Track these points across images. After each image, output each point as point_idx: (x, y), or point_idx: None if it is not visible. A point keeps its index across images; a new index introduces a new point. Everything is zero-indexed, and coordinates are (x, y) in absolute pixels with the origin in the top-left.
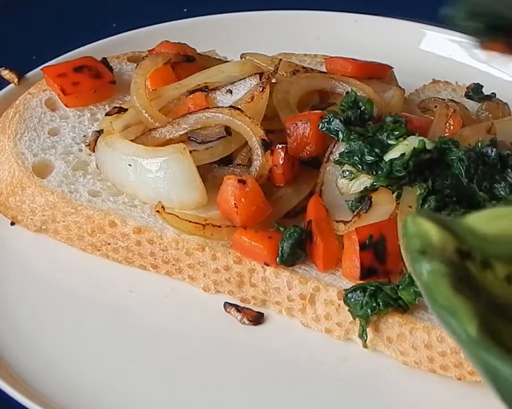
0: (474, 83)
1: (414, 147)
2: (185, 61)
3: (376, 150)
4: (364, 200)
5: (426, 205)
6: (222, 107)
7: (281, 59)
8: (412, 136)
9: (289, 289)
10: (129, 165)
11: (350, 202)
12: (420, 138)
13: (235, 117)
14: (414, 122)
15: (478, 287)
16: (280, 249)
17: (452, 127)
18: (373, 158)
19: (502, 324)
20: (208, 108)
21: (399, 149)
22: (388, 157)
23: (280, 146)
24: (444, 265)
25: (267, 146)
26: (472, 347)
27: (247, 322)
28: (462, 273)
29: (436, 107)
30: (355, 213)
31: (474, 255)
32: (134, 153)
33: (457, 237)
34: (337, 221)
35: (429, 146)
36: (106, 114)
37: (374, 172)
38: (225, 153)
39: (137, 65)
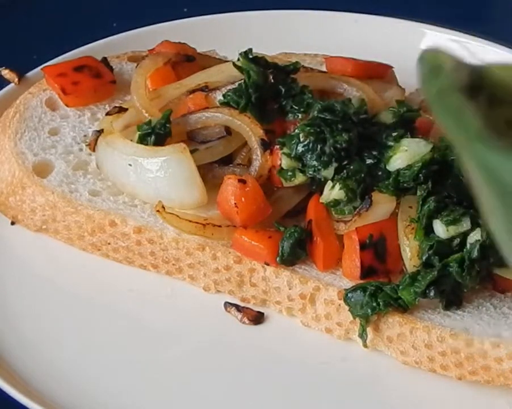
0: None
1: (425, 159)
2: (186, 60)
3: (374, 153)
4: (364, 199)
5: (426, 206)
6: (222, 106)
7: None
8: (411, 139)
9: (289, 289)
10: (129, 164)
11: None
12: (419, 140)
13: (234, 117)
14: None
15: (484, 115)
16: (280, 248)
17: None
18: (371, 161)
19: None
20: (208, 108)
21: (402, 157)
22: (392, 165)
23: (279, 146)
24: (455, 83)
25: (266, 146)
26: (473, 142)
27: (247, 321)
28: (471, 99)
29: None
30: (355, 212)
31: (485, 90)
32: (134, 153)
33: (471, 70)
34: (337, 221)
35: (428, 147)
36: (107, 114)
37: (375, 176)
38: (225, 153)
39: (137, 64)
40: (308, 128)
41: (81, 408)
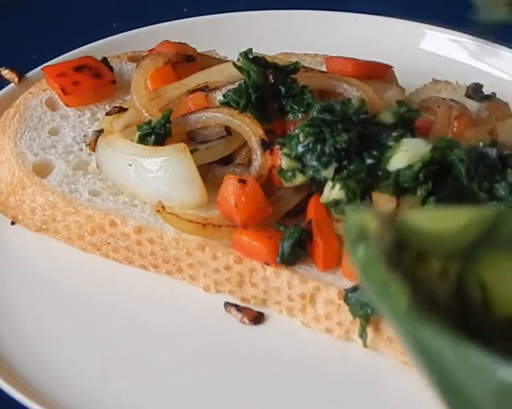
0: (474, 83)
1: (425, 159)
2: (186, 60)
3: (374, 153)
4: (364, 199)
5: (426, 207)
6: (222, 106)
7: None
8: (411, 139)
9: (290, 289)
10: (129, 164)
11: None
12: (419, 140)
13: (234, 117)
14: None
15: (413, 276)
16: (280, 248)
17: (455, 128)
18: (372, 161)
19: (434, 313)
20: (208, 108)
21: (402, 157)
22: (392, 166)
23: (279, 146)
24: (381, 249)
25: (266, 146)
26: (402, 320)
27: (247, 321)
28: (398, 261)
29: (439, 107)
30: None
31: (411, 248)
32: (134, 153)
33: (395, 230)
34: (337, 221)
35: (428, 147)
36: (107, 114)
37: (375, 176)
38: (225, 153)
39: (137, 64)
40: (308, 128)
41: (81, 408)
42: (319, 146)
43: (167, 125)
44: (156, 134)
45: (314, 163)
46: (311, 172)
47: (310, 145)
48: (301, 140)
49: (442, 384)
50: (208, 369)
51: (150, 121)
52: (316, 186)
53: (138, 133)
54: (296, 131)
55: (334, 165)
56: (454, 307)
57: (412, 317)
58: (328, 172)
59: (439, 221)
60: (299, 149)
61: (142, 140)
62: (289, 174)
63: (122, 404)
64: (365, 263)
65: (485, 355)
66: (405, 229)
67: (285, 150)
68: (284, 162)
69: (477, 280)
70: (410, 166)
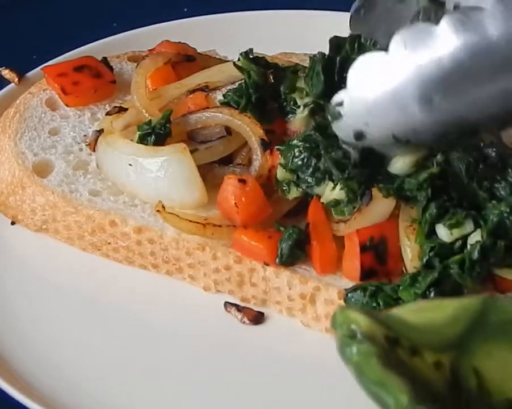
0: None
1: (432, 172)
2: (186, 60)
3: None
4: (365, 194)
5: (428, 213)
6: (222, 106)
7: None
8: None
9: (290, 289)
10: (130, 164)
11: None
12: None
13: (235, 117)
14: None
15: (408, 369)
16: (279, 250)
17: None
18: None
19: (431, 404)
20: (208, 107)
21: (402, 159)
22: (394, 167)
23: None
24: (374, 346)
25: (266, 146)
26: None
27: (247, 321)
28: (392, 356)
29: None
30: (356, 208)
31: (403, 342)
32: (134, 153)
33: (385, 326)
34: (337, 222)
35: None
36: (107, 113)
37: (376, 178)
38: (225, 153)
39: (137, 64)
40: (302, 142)
41: (81, 408)
42: (313, 162)
43: (167, 125)
44: (156, 134)
45: (308, 178)
46: (304, 187)
47: (305, 160)
48: (297, 154)
49: None
50: (208, 368)
51: (150, 121)
52: (311, 198)
53: (138, 133)
54: (295, 141)
55: (327, 182)
56: (451, 397)
57: None
58: (321, 190)
59: (427, 314)
60: (295, 162)
61: (142, 139)
62: (284, 187)
63: (122, 403)
64: (360, 362)
65: None
66: (394, 324)
67: (282, 160)
68: (280, 173)
69: (471, 368)
70: (416, 176)
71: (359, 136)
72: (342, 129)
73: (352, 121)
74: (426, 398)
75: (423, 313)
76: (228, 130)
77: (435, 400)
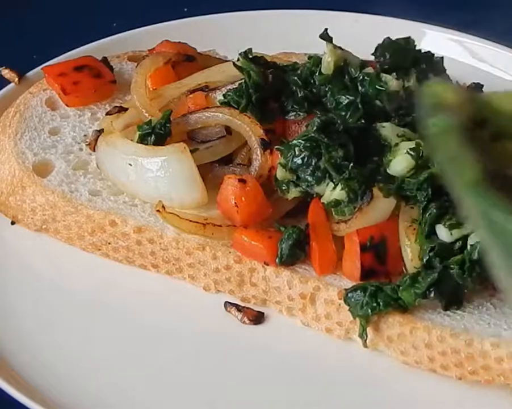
0: (474, 83)
1: (432, 173)
2: (186, 60)
3: (375, 158)
4: (365, 193)
5: (427, 214)
6: (222, 106)
7: None
8: (409, 142)
9: (290, 289)
10: (130, 164)
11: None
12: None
13: (235, 117)
14: None
15: (486, 151)
16: (279, 249)
17: None
18: (373, 165)
19: (503, 190)
20: (208, 107)
21: (401, 160)
22: (393, 169)
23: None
24: (458, 120)
25: (266, 145)
26: (470, 192)
27: (247, 321)
28: (473, 135)
29: None
30: (357, 207)
31: (488, 124)
32: (134, 152)
33: (474, 104)
34: (337, 222)
35: (426, 149)
36: (107, 113)
37: (377, 179)
38: (226, 153)
39: (138, 64)
40: (303, 142)
41: (81, 407)
42: (314, 161)
43: (167, 125)
44: (156, 134)
45: (308, 177)
46: (304, 187)
47: (305, 159)
48: (297, 153)
49: (504, 253)
50: (208, 369)
51: (150, 121)
52: (311, 197)
53: (138, 133)
54: (294, 141)
55: (328, 181)
56: None
57: (480, 189)
58: (321, 189)
59: None
60: (295, 161)
61: (142, 139)
62: (284, 187)
63: (123, 403)
64: (439, 132)
65: None
66: (484, 105)
67: (282, 160)
68: (279, 173)
69: None
70: (416, 176)
71: None
72: None
73: None
74: (498, 182)
75: None
76: (228, 130)
77: (506, 184)
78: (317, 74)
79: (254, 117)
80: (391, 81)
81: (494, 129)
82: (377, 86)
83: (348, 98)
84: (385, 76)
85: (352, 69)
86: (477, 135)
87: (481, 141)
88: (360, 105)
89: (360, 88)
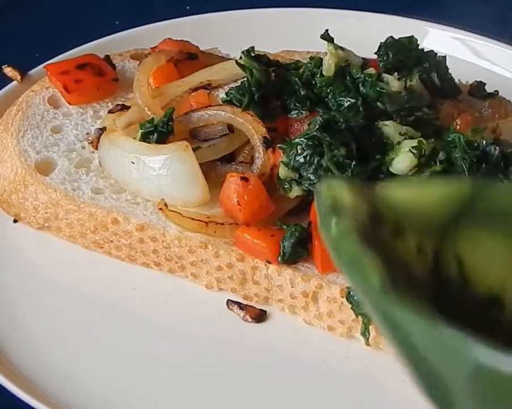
0: (476, 81)
1: (434, 171)
2: (188, 58)
3: (377, 157)
4: None
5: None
6: (224, 104)
7: None
8: (412, 140)
9: (292, 287)
10: (132, 162)
11: None
12: (420, 140)
13: (237, 115)
14: None
15: (388, 250)
16: (282, 248)
17: (458, 126)
18: (375, 163)
19: (408, 288)
20: (210, 106)
21: (404, 159)
22: (395, 168)
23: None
24: (354, 223)
25: (268, 144)
26: (375, 297)
27: (249, 319)
28: (373, 236)
29: (442, 104)
30: None
31: (386, 222)
32: (137, 151)
33: (370, 203)
34: None
35: (429, 147)
36: (109, 111)
37: (379, 177)
38: (228, 151)
39: (140, 62)
40: (306, 140)
41: (82, 405)
42: (316, 159)
43: (170, 123)
44: (158, 132)
45: (311, 176)
46: (306, 185)
47: (308, 158)
48: (299, 151)
49: (416, 367)
50: (210, 367)
51: (152, 119)
52: (313, 196)
53: (140, 131)
54: (297, 140)
55: None
56: (431, 284)
57: (384, 294)
58: None
59: (416, 194)
60: (298, 160)
61: (145, 138)
62: (286, 185)
63: (124, 401)
64: (337, 237)
65: (459, 333)
66: (380, 202)
67: (284, 158)
68: (282, 171)
69: (454, 255)
70: (418, 174)
71: None
72: None
73: None
74: (403, 282)
75: (411, 193)
76: (230, 128)
77: (412, 285)
78: (318, 75)
79: (256, 116)
80: (393, 82)
81: (393, 226)
82: (378, 88)
83: (349, 101)
84: (386, 77)
85: (354, 70)
86: (376, 234)
87: (382, 240)
88: (361, 108)
89: (361, 89)
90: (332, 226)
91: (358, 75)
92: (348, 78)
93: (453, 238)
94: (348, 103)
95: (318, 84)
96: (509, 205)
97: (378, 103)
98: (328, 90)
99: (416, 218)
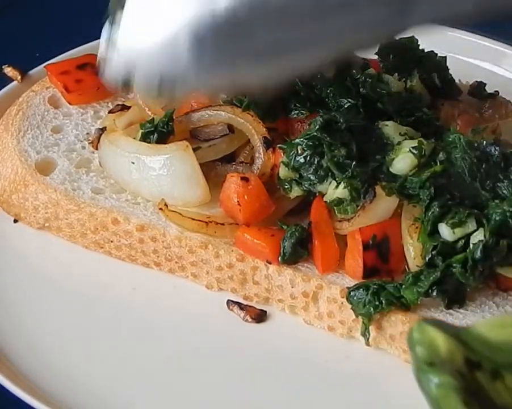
0: (477, 82)
1: (434, 171)
2: None
3: (378, 157)
4: (368, 192)
5: (430, 213)
6: (224, 104)
7: None
8: (412, 140)
9: (292, 287)
10: (132, 162)
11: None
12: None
13: (237, 115)
14: None
15: (488, 399)
16: (282, 248)
17: (459, 127)
18: (376, 164)
19: None
20: (210, 106)
21: (404, 159)
22: (395, 168)
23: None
24: (453, 378)
25: (268, 144)
26: None
27: (250, 320)
28: (472, 385)
29: (442, 105)
30: (359, 206)
31: (484, 365)
32: (137, 151)
33: (464, 345)
34: (340, 221)
35: (429, 146)
36: (110, 111)
37: (379, 177)
38: (228, 151)
39: None
40: (306, 141)
41: (82, 405)
42: (316, 160)
43: (170, 123)
44: (159, 132)
45: (311, 176)
46: (306, 185)
47: (308, 158)
48: (299, 152)
49: None
50: (211, 367)
51: (153, 119)
52: (314, 196)
53: (141, 131)
54: (297, 140)
55: (330, 180)
56: None
57: None
58: (324, 187)
59: (508, 330)
60: (298, 160)
61: (145, 138)
62: (286, 186)
63: (125, 400)
64: (440, 398)
65: None
66: (474, 342)
67: (284, 158)
68: (282, 172)
69: None
70: (418, 174)
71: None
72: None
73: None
74: None
75: (505, 329)
76: (231, 128)
77: None
78: (318, 76)
79: (257, 116)
80: (394, 82)
81: (491, 366)
82: (378, 89)
83: (349, 102)
84: (387, 78)
85: (354, 70)
86: (475, 380)
87: (481, 386)
88: (361, 109)
89: (361, 89)
90: (432, 385)
91: (358, 76)
92: (348, 78)
93: None
94: (348, 104)
95: (319, 85)
96: None
97: (379, 104)
98: (328, 91)
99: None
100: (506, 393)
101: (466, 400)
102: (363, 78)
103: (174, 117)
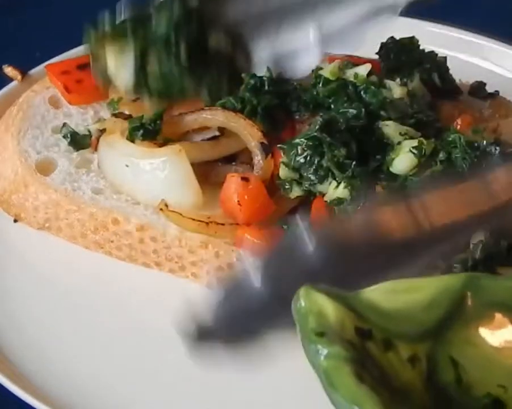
0: (477, 81)
1: (434, 171)
2: None
3: (378, 157)
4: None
5: None
6: (217, 108)
7: None
8: (412, 140)
9: None
10: (126, 165)
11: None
12: (421, 140)
13: (230, 120)
14: None
15: (382, 371)
16: None
17: (459, 127)
18: (376, 164)
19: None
20: (203, 109)
21: (405, 159)
22: (395, 168)
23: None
24: (344, 349)
25: (267, 149)
26: None
27: None
28: (364, 356)
29: (442, 105)
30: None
31: (376, 335)
32: (131, 154)
33: (356, 314)
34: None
35: (430, 146)
36: (113, 115)
37: (380, 177)
38: (225, 153)
39: None
40: (306, 141)
41: (82, 405)
42: (316, 160)
43: (158, 122)
44: (145, 129)
45: (311, 176)
46: (307, 185)
47: (308, 158)
48: (299, 152)
49: None
50: (211, 367)
51: (142, 116)
52: (314, 196)
53: (128, 127)
54: (297, 140)
55: (330, 180)
56: (430, 395)
57: None
58: (324, 187)
59: (401, 296)
60: (298, 160)
61: (131, 133)
62: (287, 186)
63: (124, 401)
64: (330, 371)
65: None
66: (365, 310)
67: (284, 158)
68: (282, 172)
69: (449, 359)
70: (419, 174)
71: None
72: None
73: None
74: (402, 405)
75: (397, 295)
76: (222, 131)
77: (412, 406)
78: (320, 85)
79: (255, 120)
80: (396, 88)
81: (382, 337)
82: (380, 97)
83: (352, 112)
84: (389, 83)
85: (356, 79)
86: (367, 350)
87: (374, 356)
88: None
89: (363, 96)
90: (322, 358)
91: (359, 84)
92: (350, 87)
93: (447, 340)
94: (352, 113)
95: (321, 94)
96: (503, 296)
97: (382, 112)
98: (330, 100)
99: (407, 323)
100: (399, 365)
101: (357, 372)
102: (365, 85)
103: (168, 118)
